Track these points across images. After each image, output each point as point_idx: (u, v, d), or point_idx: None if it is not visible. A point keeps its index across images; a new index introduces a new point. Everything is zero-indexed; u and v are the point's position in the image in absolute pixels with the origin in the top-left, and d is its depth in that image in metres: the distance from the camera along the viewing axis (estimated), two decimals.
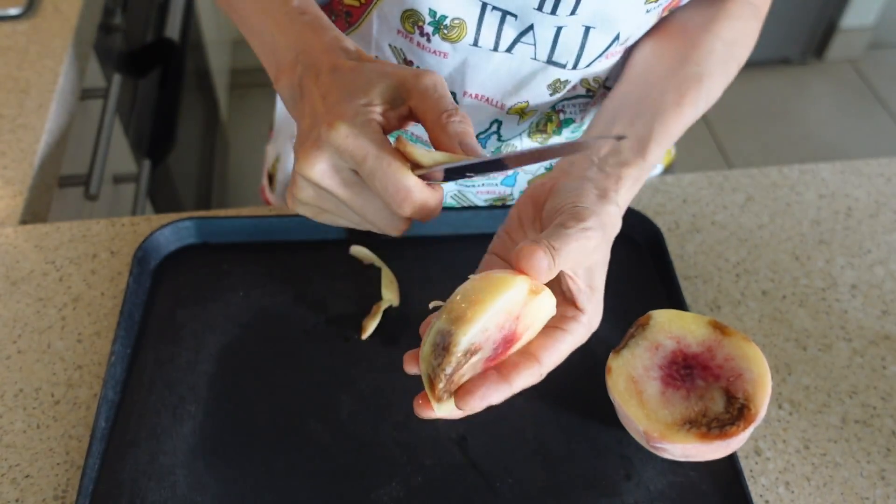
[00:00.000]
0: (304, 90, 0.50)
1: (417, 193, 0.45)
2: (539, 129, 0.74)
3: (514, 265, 0.45)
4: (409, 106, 0.48)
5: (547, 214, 0.50)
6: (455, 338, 0.42)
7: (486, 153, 0.48)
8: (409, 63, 0.66)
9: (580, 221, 0.47)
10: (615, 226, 0.50)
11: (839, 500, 0.58)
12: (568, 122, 0.74)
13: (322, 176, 0.46)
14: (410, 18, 0.61)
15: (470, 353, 0.43)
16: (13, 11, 0.98)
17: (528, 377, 0.46)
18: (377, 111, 0.47)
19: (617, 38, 0.61)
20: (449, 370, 0.42)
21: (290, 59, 0.52)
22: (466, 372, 0.44)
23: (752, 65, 0.77)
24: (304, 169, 0.46)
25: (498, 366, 0.46)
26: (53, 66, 0.92)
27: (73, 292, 0.69)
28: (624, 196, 0.53)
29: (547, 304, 0.46)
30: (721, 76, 0.62)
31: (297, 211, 0.50)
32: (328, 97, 0.48)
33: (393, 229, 0.49)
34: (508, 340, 0.45)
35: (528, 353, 0.47)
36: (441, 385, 0.43)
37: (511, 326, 0.44)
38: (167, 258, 0.70)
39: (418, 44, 0.63)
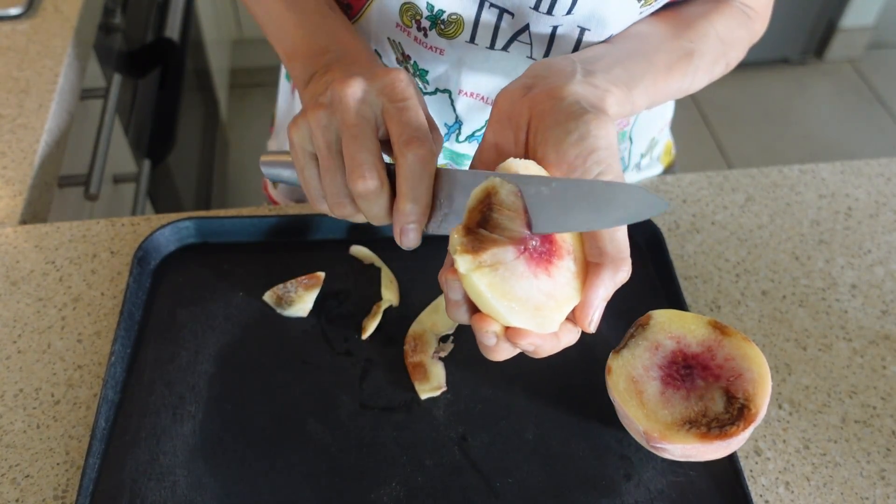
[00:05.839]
0: (329, 71, 0.53)
1: (370, 168, 0.47)
2: None
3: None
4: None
5: (543, 140, 0.46)
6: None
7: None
8: (407, 58, 0.66)
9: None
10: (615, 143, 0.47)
11: (839, 499, 0.58)
12: None
13: (317, 122, 0.49)
14: (409, 12, 0.62)
15: (502, 205, 0.44)
16: (13, 11, 0.98)
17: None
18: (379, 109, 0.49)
19: (609, 40, 0.62)
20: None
21: (319, 45, 0.55)
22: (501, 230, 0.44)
23: (752, 65, 0.77)
24: (309, 112, 0.49)
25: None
26: (53, 66, 0.92)
27: (73, 292, 0.69)
28: (613, 110, 0.50)
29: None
30: (710, 61, 0.61)
31: (289, 149, 0.52)
32: (351, 73, 0.50)
33: (336, 204, 0.50)
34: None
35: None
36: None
37: None
38: (167, 258, 0.70)
39: (415, 38, 0.64)
